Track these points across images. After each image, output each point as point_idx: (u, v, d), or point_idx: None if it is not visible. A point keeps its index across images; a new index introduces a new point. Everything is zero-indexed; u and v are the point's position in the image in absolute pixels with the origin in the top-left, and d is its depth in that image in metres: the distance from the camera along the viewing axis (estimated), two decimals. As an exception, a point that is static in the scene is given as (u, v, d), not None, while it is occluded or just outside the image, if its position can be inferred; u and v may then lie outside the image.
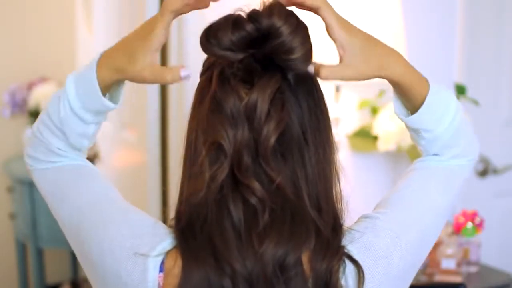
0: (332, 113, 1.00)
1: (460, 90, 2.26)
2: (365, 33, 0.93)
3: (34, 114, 3.15)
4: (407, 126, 1.04)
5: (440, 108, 1.00)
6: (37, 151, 1.01)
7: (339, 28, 0.90)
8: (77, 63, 3.41)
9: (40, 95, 3.18)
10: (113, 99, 0.97)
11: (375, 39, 0.95)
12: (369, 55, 0.92)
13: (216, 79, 0.91)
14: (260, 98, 0.89)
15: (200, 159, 0.90)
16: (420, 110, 0.99)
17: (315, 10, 0.90)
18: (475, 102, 2.26)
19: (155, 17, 0.90)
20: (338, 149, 0.99)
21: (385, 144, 2.20)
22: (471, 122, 1.09)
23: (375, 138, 2.24)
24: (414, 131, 1.03)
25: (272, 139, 0.89)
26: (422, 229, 0.97)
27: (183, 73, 0.89)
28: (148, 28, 0.90)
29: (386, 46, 0.96)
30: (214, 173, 0.89)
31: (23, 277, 3.25)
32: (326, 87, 0.99)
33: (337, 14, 0.91)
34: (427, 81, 1.00)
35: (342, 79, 0.93)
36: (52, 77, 3.34)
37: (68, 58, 3.41)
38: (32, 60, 3.38)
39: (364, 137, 2.26)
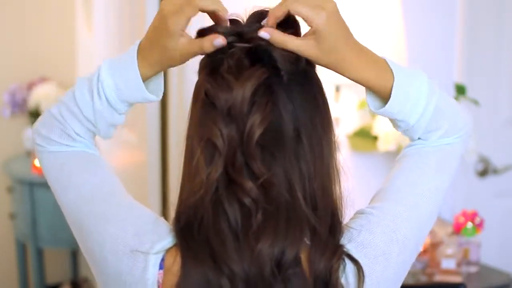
0: (332, 113, 0.99)
1: (460, 90, 2.26)
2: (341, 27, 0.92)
3: (34, 114, 3.15)
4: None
5: (409, 101, 0.97)
6: (51, 132, 1.00)
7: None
8: (77, 63, 3.41)
9: (40, 95, 3.18)
10: (152, 91, 0.98)
11: (348, 32, 0.93)
12: (335, 49, 0.91)
13: (207, 76, 0.92)
14: (240, 91, 0.89)
15: (195, 159, 0.90)
16: (386, 107, 0.97)
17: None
18: (475, 102, 2.26)
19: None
20: (339, 148, 0.99)
21: (385, 144, 2.20)
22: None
23: (375, 138, 2.24)
24: (391, 121, 1.02)
25: (256, 135, 0.88)
26: (417, 220, 0.97)
27: (216, 42, 0.90)
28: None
29: (354, 42, 0.94)
30: (209, 173, 0.89)
31: (23, 277, 3.25)
32: (326, 87, 0.99)
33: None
34: (392, 78, 0.95)
35: (296, 51, 0.91)
36: (52, 77, 3.34)
37: (68, 58, 3.41)
38: (32, 60, 3.38)
39: (364, 137, 2.26)
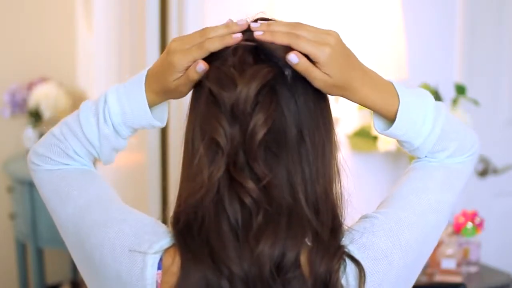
0: (332, 113, 0.99)
1: (460, 90, 2.26)
2: (344, 52, 0.93)
3: (34, 114, 3.15)
4: None
5: (414, 125, 0.98)
6: (49, 150, 1.01)
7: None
8: (77, 63, 3.41)
9: (40, 95, 3.18)
10: (157, 117, 1.00)
11: (352, 60, 0.94)
12: (342, 80, 0.92)
13: (212, 74, 0.92)
14: (244, 90, 0.88)
15: (198, 158, 0.90)
16: (390, 129, 0.99)
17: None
18: (475, 102, 2.26)
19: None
20: (339, 148, 0.99)
21: (385, 144, 2.20)
22: (468, 121, 1.07)
23: (375, 138, 2.24)
24: (397, 140, 1.03)
25: (259, 135, 0.88)
26: (423, 228, 0.97)
27: (198, 67, 0.92)
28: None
29: (359, 68, 0.95)
30: (211, 172, 0.88)
31: (23, 277, 3.25)
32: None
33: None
34: (398, 101, 0.98)
35: (312, 80, 0.92)
36: (52, 77, 3.34)
37: (68, 58, 3.41)
38: (32, 60, 3.38)
39: (364, 137, 2.26)
